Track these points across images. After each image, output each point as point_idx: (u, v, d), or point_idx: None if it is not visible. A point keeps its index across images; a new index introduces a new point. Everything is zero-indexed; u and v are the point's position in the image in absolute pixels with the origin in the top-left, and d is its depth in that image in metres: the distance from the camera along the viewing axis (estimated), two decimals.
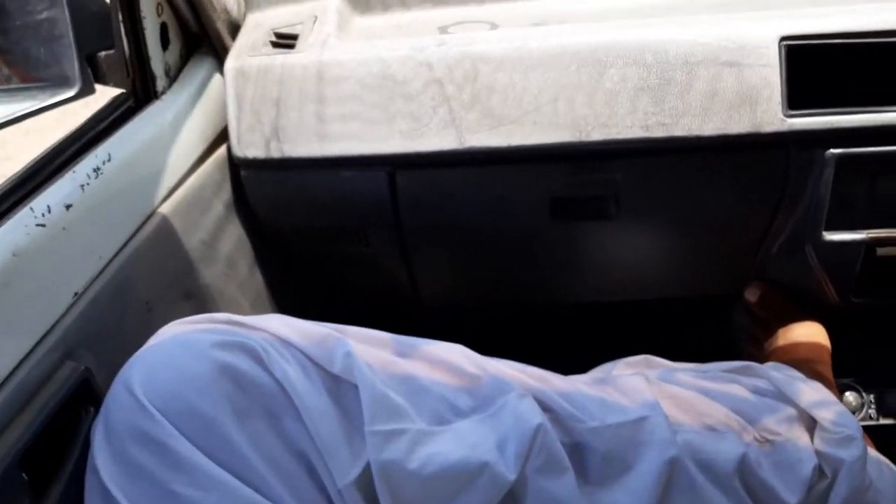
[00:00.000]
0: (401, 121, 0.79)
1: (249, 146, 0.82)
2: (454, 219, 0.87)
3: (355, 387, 0.53)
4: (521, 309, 1.11)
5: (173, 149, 0.76)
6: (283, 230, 0.91)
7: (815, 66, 0.74)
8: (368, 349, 0.57)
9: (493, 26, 0.87)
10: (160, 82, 0.79)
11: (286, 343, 0.54)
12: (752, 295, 0.93)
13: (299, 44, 0.84)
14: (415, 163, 0.80)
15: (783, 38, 0.74)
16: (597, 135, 0.76)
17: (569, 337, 1.13)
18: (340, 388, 0.54)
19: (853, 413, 0.95)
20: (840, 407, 0.71)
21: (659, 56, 0.75)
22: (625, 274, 0.95)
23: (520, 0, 0.92)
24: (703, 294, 0.98)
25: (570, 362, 0.80)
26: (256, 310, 0.90)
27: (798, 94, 0.74)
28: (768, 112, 0.74)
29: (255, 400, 0.51)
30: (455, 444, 0.54)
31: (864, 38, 0.73)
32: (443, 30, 0.87)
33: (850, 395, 0.96)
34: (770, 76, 0.73)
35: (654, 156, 0.79)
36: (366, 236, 0.89)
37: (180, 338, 0.54)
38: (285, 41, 0.85)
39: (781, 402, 0.71)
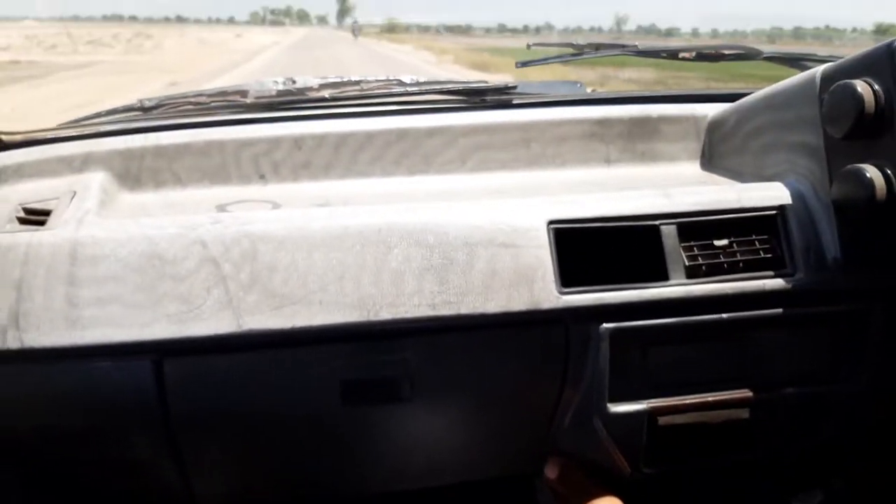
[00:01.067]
0: (169, 303, 0.71)
1: None
2: (233, 409, 0.78)
3: None
4: None
5: None
6: (21, 434, 0.77)
7: (585, 246, 0.79)
8: None
9: (275, 206, 0.85)
10: None
11: None
12: (551, 472, 0.92)
13: (51, 220, 0.76)
14: (186, 349, 0.73)
15: (551, 222, 0.78)
16: (385, 314, 0.74)
17: None
18: None
19: None
20: None
21: (440, 237, 0.76)
22: (423, 459, 0.90)
23: (302, 181, 0.92)
24: (504, 474, 0.95)
25: None
26: None
27: (571, 273, 0.78)
28: (544, 290, 0.76)
29: None
30: None
31: (618, 221, 0.80)
32: (221, 208, 0.84)
33: None
34: (543, 256, 0.77)
35: (442, 334, 0.78)
36: (126, 436, 0.77)
37: None
38: (35, 217, 0.76)
39: None
